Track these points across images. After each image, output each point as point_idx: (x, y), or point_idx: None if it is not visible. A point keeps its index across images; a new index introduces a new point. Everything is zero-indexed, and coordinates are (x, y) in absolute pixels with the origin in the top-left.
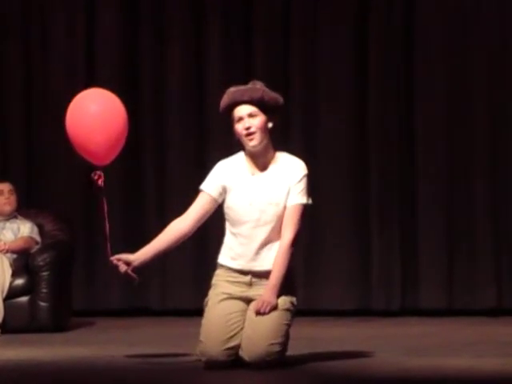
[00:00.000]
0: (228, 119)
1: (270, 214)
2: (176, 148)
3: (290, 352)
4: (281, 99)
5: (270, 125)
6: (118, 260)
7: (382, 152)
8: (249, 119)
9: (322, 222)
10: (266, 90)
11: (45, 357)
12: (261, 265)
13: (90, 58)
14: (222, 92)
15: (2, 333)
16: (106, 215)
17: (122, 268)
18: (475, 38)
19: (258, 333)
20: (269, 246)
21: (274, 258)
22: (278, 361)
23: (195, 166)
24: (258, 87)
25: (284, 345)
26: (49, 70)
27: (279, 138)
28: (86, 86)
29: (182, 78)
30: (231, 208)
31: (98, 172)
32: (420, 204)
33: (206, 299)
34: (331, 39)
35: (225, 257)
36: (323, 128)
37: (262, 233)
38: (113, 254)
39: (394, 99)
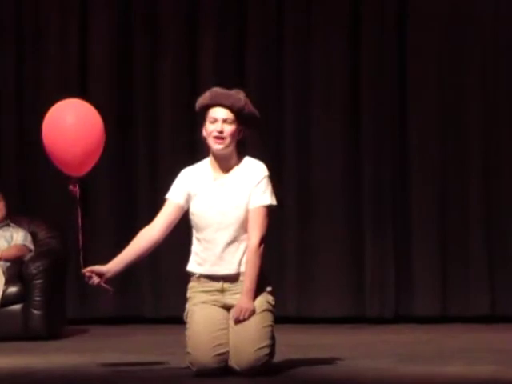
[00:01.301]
0: (200, 116)
1: (231, 216)
2: (168, 159)
3: (283, 359)
4: (257, 114)
5: (240, 135)
6: (91, 272)
7: (375, 162)
8: (223, 124)
9: (316, 230)
10: (248, 102)
11: (38, 365)
12: (226, 268)
13: (82, 69)
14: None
15: None
16: (80, 226)
17: (95, 280)
18: (470, 51)
19: (243, 341)
20: (231, 249)
21: (237, 262)
22: (268, 364)
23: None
24: (240, 97)
25: (271, 346)
26: (41, 80)
27: (272, 144)
28: (79, 96)
29: (174, 89)
30: (194, 213)
31: (73, 181)
32: (414, 212)
33: (185, 313)
34: (324, 54)
35: (192, 264)
36: (316, 139)
37: (224, 236)
38: (85, 266)
39: (388, 110)
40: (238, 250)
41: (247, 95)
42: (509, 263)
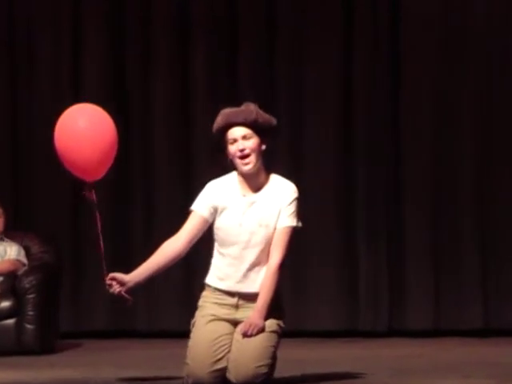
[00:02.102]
0: (221, 140)
1: (260, 235)
2: (163, 172)
3: (277, 373)
4: (274, 121)
5: (264, 147)
6: (112, 279)
7: (369, 175)
8: (243, 141)
9: (309, 243)
10: (260, 112)
11: (32, 380)
12: (248, 287)
13: (76, 82)
14: (208, 114)
15: None
16: (99, 231)
17: (116, 288)
18: (465, 64)
19: (244, 355)
20: (257, 269)
21: (261, 281)
22: (264, 383)
23: (181, 189)
24: (251, 109)
25: (271, 367)
26: (34, 97)
27: (266, 156)
28: (71, 102)
29: (167, 101)
30: (221, 228)
31: (89, 188)
32: (407, 225)
33: (193, 320)
34: (317, 64)
35: (212, 277)
36: (309, 153)
37: (252, 254)
38: (108, 273)
39: (381, 124)
40: (262, 269)
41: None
42: (502, 276)
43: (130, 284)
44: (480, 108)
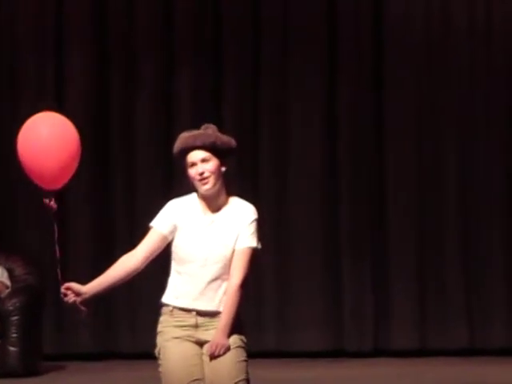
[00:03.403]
0: (181, 163)
1: (218, 254)
2: (145, 195)
3: None
4: (233, 142)
5: (224, 168)
6: (68, 289)
7: (353, 196)
8: (202, 164)
9: (293, 264)
10: (219, 134)
11: None
12: (205, 304)
13: (59, 102)
14: (192, 120)
15: None
16: (56, 240)
17: (71, 298)
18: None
19: (219, 375)
20: (214, 286)
21: (219, 300)
22: None
23: (163, 195)
24: (209, 132)
25: (247, 381)
26: (16, 118)
27: (248, 179)
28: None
29: (151, 105)
30: (179, 246)
31: (49, 196)
32: (391, 245)
33: (157, 349)
34: (301, 64)
35: (169, 296)
36: (293, 175)
37: (209, 273)
38: (63, 282)
39: (365, 147)
40: (221, 287)
41: (219, 128)
42: (487, 296)
43: (86, 296)
44: (463, 136)
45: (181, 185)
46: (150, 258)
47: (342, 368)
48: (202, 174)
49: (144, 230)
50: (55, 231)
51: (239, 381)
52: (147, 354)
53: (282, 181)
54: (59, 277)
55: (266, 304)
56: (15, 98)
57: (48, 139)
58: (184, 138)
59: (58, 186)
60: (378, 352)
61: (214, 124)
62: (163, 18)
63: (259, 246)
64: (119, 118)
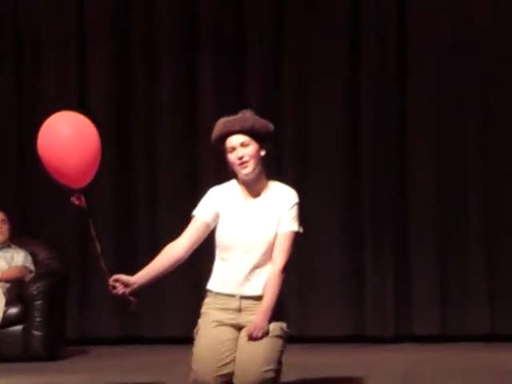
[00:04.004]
0: (220, 149)
1: (261, 240)
2: (168, 172)
3: (283, 379)
4: (271, 126)
5: (263, 153)
6: (116, 281)
7: (375, 179)
8: (241, 148)
9: (315, 249)
10: (257, 118)
11: None
12: (250, 290)
13: (81, 89)
14: (214, 118)
15: None
16: (94, 235)
17: (120, 290)
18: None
19: (250, 360)
20: (258, 272)
21: (263, 284)
22: None
23: (187, 191)
24: (247, 116)
25: (277, 372)
26: (40, 92)
27: (270, 163)
28: (78, 111)
29: (173, 103)
30: (222, 234)
31: (77, 194)
32: (413, 231)
33: (196, 328)
34: (323, 61)
35: (214, 282)
36: (316, 156)
37: (252, 259)
38: (110, 275)
39: (387, 129)
40: (264, 272)
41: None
42: (509, 282)
43: (135, 286)
44: (484, 123)
45: (203, 178)
46: (194, 247)
47: (363, 353)
48: (241, 158)
49: (167, 224)
50: (91, 228)
51: (268, 370)
52: (170, 338)
53: (304, 168)
54: (105, 269)
55: (288, 290)
56: (38, 82)
57: (68, 139)
58: (222, 123)
59: (82, 184)
60: (400, 337)
61: (235, 105)
62: (185, 10)
63: (301, 230)
64: (141, 112)
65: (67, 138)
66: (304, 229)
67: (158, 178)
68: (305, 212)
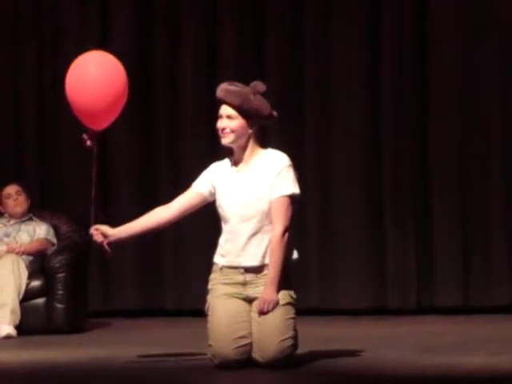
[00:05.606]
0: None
1: (253, 208)
2: (189, 148)
3: (304, 351)
4: (265, 110)
5: (251, 130)
6: (97, 230)
7: (397, 154)
8: (226, 120)
9: (336, 222)
10: (251, 97)
11: (61, 358)
12: (249, 260)
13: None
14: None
15: (19, 335)
16: (94, 179)
17: (99, 238)
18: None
19: (266, 333)
20: (255, 242)
21: (261, 255)
22: (291, 356)
23: (207, 152)
24: (243, 92)
25: (294, 338)
26: (61, 80)
27: (292, 137)
28: None
29: (194, 77)
30: (219, 205)
31: (89, 134)
32: (434, 202)
33: (207, 305)
34: (344, 39)
35: (217, 255)
36: (336, 140)
37: (248, 228)
38: (95, 223)
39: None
40: (262, 241)
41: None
42: None
43: (112, 238)
44: (507, 110)
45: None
46: (184, 214)
47: (385, 326)
48: (223, 129)
49: (187, 177)
50: (94, 170)
51: (286, 338)
52: (192, 310)
53: (326, 139)
54: (92, 217)
55: (309, 262)
56: (59, 59)
57: (96, 76)
58: (221, 89)
59: (101, 126)
60: (422, 309)
61: (258, 80)
62: None
63: (296, 191)
64: (163, 72)
65: (95, 76)
66: (326, 204)
67: (179, 130)
68: (327, 187)
